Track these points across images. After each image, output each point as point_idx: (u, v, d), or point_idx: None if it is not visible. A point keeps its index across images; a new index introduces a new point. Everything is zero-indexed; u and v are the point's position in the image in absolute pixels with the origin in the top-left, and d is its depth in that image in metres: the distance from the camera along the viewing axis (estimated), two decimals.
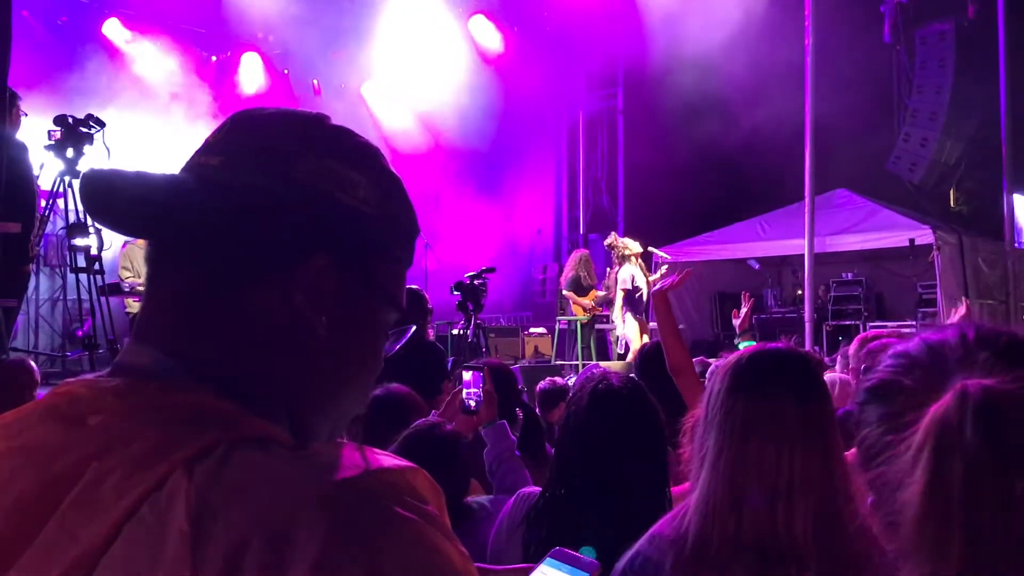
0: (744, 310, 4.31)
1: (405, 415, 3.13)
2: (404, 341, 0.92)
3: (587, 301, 10.60)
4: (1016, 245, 12.56)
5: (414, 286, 6.33)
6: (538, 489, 2.32)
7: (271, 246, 0.81)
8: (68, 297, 9.27)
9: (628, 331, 10.03)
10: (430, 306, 5.49)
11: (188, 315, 0.81)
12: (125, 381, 0.79)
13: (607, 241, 10.44)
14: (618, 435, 2.18)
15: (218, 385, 0.77)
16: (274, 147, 0.84)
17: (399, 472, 0.72)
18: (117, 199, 0.81)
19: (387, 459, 0.73)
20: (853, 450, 2.49)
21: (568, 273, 11.02)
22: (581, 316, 10.72)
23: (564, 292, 11.09)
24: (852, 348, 4.09)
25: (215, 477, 0.69)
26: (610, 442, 2.17)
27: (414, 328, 0.92)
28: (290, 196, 0.81)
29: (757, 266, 13.33)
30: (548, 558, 0.99)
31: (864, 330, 9.45)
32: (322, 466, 0.71)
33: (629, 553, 1.66)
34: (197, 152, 0.86)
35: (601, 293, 10.56)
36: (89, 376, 0.81)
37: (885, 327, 9.51)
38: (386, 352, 0.90)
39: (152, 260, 0.85)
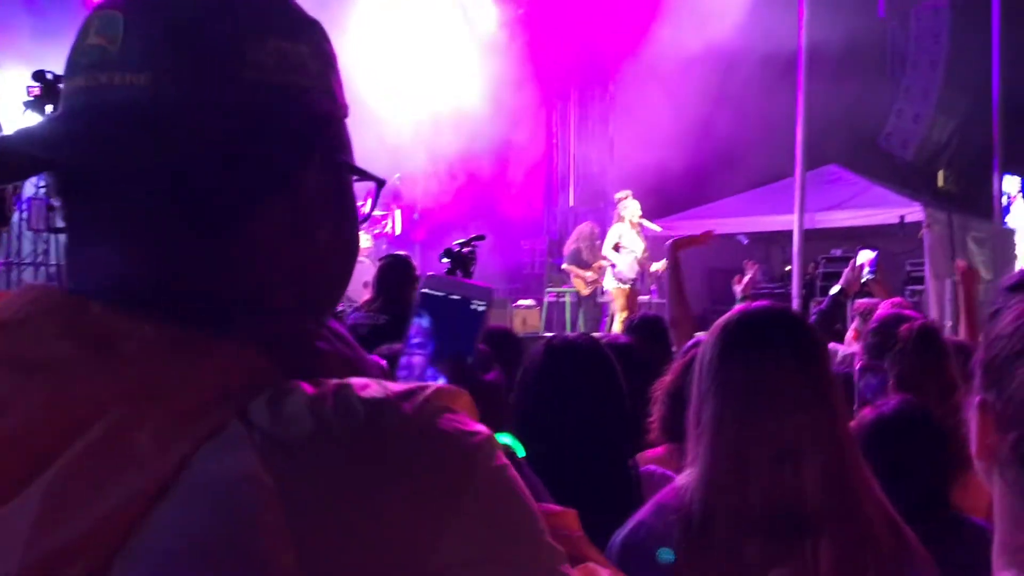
0: (748, 276, 4.31)
1: None
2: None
3: (588, 273, 10.46)
4: (1002, 225, 12.55)
5: (402, 252, 6.23)
6: None
7: (257, 169, 0.68)
8: (51, 262, 9.13)
9: (614, 299, 9.85)
10: (417, 273, 5.40)
11: (177, 264, 0.67)
12: (154, 318, 0.64)
13: (617, 195, 10.24)
14: (574, 386, 2.10)
15: (238, 334, 0.65)
16: (209, 40, 0.67)
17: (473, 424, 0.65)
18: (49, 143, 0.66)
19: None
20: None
21: (570, 246, 10.83)
22: (582, 289, 10.60)
23: (564, 266, 10.91)
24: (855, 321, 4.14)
25: (277, 416, 0.59)
26: (566, 393, 2.09)
27: (380, 183, 0.78)
28: (254, 102, 0.67)
29: (746, 241, 13.28)
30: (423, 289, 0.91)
31: (852, 306, 9.35)
32: (399, 394, 0.63)
33: (631, 523, 1.56)
34: (97, 67, 0.66)
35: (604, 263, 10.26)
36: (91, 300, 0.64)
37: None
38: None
39: (77, 202, 0.70)
